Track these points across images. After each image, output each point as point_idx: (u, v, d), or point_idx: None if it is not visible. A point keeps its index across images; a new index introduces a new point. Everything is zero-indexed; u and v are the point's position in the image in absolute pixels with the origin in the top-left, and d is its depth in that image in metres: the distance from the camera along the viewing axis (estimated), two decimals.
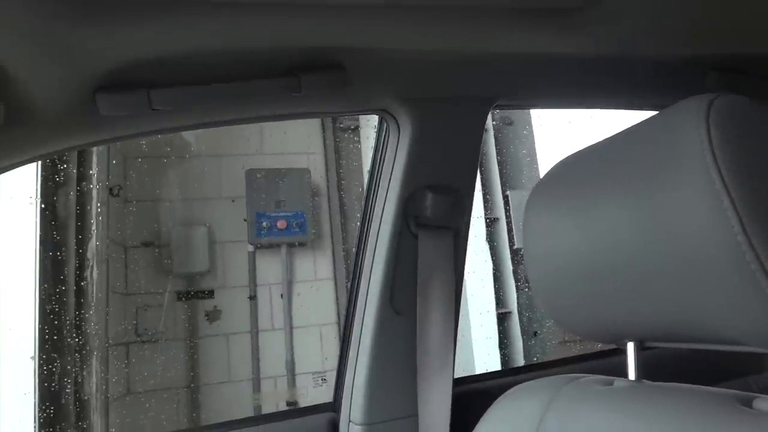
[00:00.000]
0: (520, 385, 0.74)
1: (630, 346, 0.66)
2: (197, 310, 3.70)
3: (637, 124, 0.61)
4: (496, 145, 3.72)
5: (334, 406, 0.99)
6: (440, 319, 0.93)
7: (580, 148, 0.72)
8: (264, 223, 3.82)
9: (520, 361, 3.51)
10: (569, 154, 0.75)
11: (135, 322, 3.47)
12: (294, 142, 3.90)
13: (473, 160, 0.98)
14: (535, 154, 3.88)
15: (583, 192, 0.63)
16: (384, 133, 0.99)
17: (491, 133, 3.67)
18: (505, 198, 3.67)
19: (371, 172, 1.02)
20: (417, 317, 0.93)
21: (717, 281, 0.49)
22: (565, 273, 0.66)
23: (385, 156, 0.98)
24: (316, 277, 3.90)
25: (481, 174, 3.45)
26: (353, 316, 0.98)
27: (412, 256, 0.94)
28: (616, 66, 1.00)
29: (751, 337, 0.51)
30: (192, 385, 3.59)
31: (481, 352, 3.39)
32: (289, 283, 3.85)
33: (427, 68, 0.90)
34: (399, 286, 0.94)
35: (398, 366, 0.94)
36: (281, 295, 3.85)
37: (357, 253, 1.01)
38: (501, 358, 3.45)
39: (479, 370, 3.30)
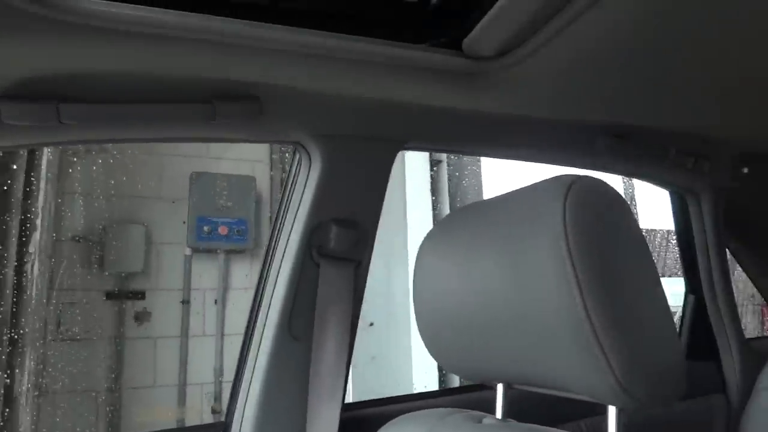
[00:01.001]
0: (402, 416, 0.78)
1: (499, 387, 0.72)
2: (126, 311, 3.60)
3: (516, 190, 0.66)
4: (448, 176, 3.84)
5: (225, 426, 1.00)
6: (335, 347, 0.96)
7: (469, 204, 0.79)
8: (205, 228, 3.76)
9: (455, 380, 3.58)
10: (459, 208, 0.82)
11: (58, 319, 3.34)
12: (240, 149, 3.87)
13: (379, 197, 1.02)
14: (481, 185, 4.01)
15: (466, 244, 0.69)
16: (296, 164, 1.02)
17: (444, 163, 3.79)
18: None
19: (281, 200, 1.04)
20: (312, 344, 0.95)
21: (561, 340, 0.55)
22: (446, 317, 0.71)
23: (295, 186, 1.01)
24: (252, 285, 3.86)
25: (433, 202, 3.54)
26: (251, 338, 0.99)
27: (312, 284, 0.97)
28: (518, 123, 1.06)
29: (585, 388, 0.58)
30: (113, 387, 3.48)
31: (420, 369, 3.47)
32: (225, 290, 3.80)
33: (340, 108, 0.94)
34: (298, 312, 0.97)
35: (291, 390, 0.96)
36: (215, 301, 3.80)
37: (260, 278, 1.03)
38: (438, 377, 3.56)
39: (418, 386, 3.37)
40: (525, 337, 0.60)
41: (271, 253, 1.02)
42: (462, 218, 0.75)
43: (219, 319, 3.71)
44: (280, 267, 0.98)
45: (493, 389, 0.73)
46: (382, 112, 0.97)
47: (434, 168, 3.65)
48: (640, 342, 0.54)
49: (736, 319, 1.36)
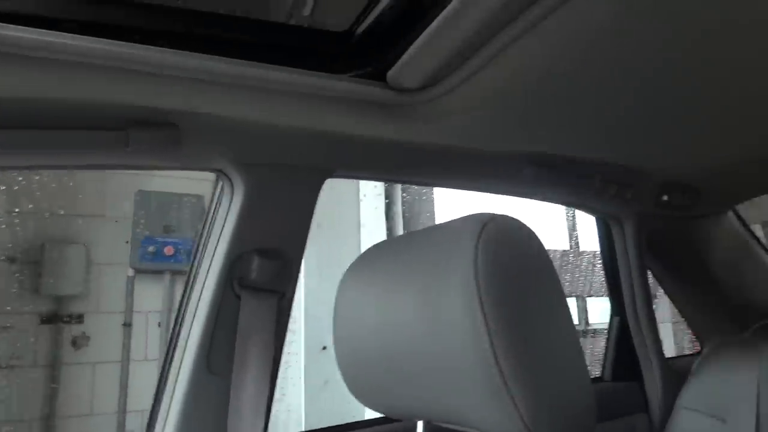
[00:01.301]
0: None
1: (419, 425, 0.71)
2: (63, 336, 3.44)
3: (437, 225, 0.66)
4: (402, 201, 3.87)
5: None
6: (255, 382, 0.93)
7: (392, 237, 0.78)
8: (150, 248, 3.65)
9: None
10: (382, 240, 0.81)
11: None
12: None
13: (304, 227, 1.01)
14: (433, 210, 4.07)
15: (386, 279, 0.68)
16: (219, 192, 1.00)
17: (398, 189, 3.82)
18: None
19: (201, 229, 1.02)
20: (232, 379, 0.92)
21: (471, 382, 0.55)
22: (365, 352, 0.70)
23: (217, 215, 0.98)
24: None
25: (388, 226, 3.55)
26: (167, 373, 0.96)
27: (233, 317, 0.94)
28: (445, 153, 1.07)
29: (495, 430, 0.57)
30: (48, 416, 3.31)
31: None
32: (169, 312, 3.68)
33: (263, 137, 0.93)
34: (217, 345, 0.93)
35: (208, 428, 0.93)
36: (158, 324, 3.68)
37: (178, 310, 0.99)
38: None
39: (370, 412, 3.32)
40: (439, 376, 0.59)
41: (190, 285, 0.99)
42: (383, 252, 0.74)
43: (163, 343, 3.59)
44: (199, 299, 0.95)
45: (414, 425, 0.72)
46: (307, 141, 0.96)
47: (388, 191, 3.68)
48: (548, 386, 0.55)
49: (657, 339, 1.40)
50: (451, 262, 0.57)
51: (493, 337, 0.52)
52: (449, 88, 0.85)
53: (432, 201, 4.01)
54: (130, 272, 3.62)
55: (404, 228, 3.84)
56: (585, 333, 4.11)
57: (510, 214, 0.61)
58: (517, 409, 0.53)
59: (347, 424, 1.07)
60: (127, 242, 3.62)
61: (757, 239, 1.56)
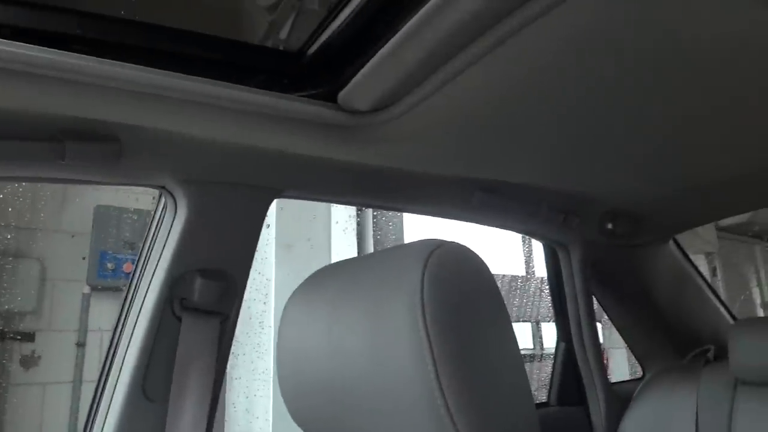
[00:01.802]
0: None
1: None
2: (12, 355, 3.28)
3: (385, 249, 0.65)
4: (374, 222, 3.86)
5: None
6: (194, 409, 0.89)
7: (338, 261, 0.77)
8: (108, 264, 3.53)
9: None
10: (331, 263, 0.79)
11: None
12: None
13: (250, 247, 0.98)
14: (402, 231, 4.06)
15: (332, 304, 0.66)
16: (161, 209, 0.97)
17: (370, 214, 3.81)
18: None
19: (142, 248, 0.98)
20: (169, 406, 0.88)
21: (415, 414, 0.53)
22: (309, 379, 0.67)
23: (159, 232, 0.95)
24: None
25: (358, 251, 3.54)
26: (100, 398, 0.91)
27: (172, 340, 0.91)
28: (395, 176, 1.07)
29: None
30: None
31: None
32: None
33: (209, 154, 0.90)
34: (154, 370, 0.90)
35: None
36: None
37: (114, 331, 0.95)
38: None
39: None
40: (383, 407, 0.57)
41: (128, 305, 0.95)
42: (329, 276, 0.73)
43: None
44: (137, 320, 0.91)
45: None
46: (255, 159, 0.94)
47: (359, 214, 3.68)
48: (493, 416, 0.53)
49: (601, 365, 1.42)
50: (398, 288, 0.56)
51: (438, 367, 0.51)
52: (400, 112, 0.85)
53: (401, 221, 4.01)
54: (86, 289, 3.49)
55: (376, 250, 3.82)
56: (540, 357, 4.14)
57: (460, 241, 0.60)
58: None
59: None
60: (84, 258, 3.49)
61: (696, 268, 1.61)
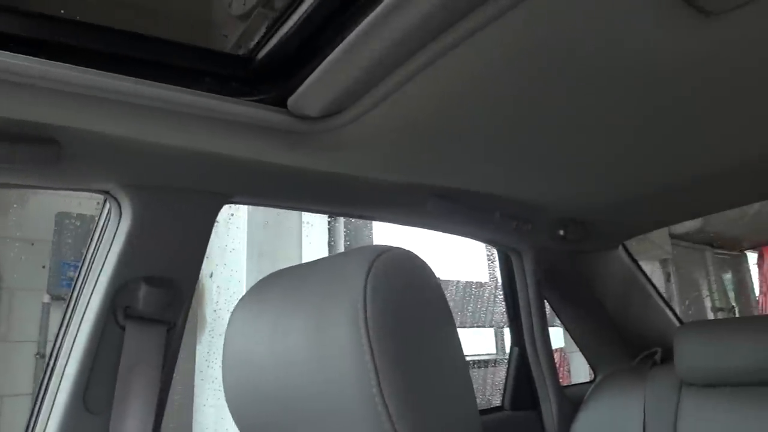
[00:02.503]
0: None
1: None
2: None
3: (332, 255, 0.63)
4: (345, 229, 3.85)
5: None
6: (137, 420, 0.85)
7: (285, 267, 0.74)
8: (70, 273, 3.41)
9: None
10: (277, 270, 0.77)
11: None
12: None
13: (199, 254, 0.95)
14: (372, 236, 4.05)
15: (277, 311, 0.64)
16: (106, 215, 0.93)
17: (342, 220, 3.80)
18: None
19: (85, 254, 0.94)
20: (111, 418, 0.84)
21: (357, 422, 0.52)
22: (255, 388, 0.65)
23: (102, 239, 0.91)
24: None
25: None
26: (39, 411, 0.87)
27: (115, 349, 0.87)
28: (348, 182, 1.06)
29: None
30: None
31: None
32: None
33: (155, 158, 0.87)
34: (96, 381, 0.85)
35: None
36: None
37: (54, 341, 0.91)
38: None
39: None
40: (325, 414, 0.56)
41: (69, 314, 0.91)
42: (276, 283, 0.70)
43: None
44: (78, 329, 0.87)
45: None
46: (202, 164, 0.91)
47: (331, 220, 3.66)
48: (434, 424, 0.52)
49: (554, 369, 1.43)
50: (341, 295, 0.54)
51: (380, 374, 0.49)
52: (351, 119, 0.83)
53: (371, 227, 4.00)
54: (46, 298, 3.37)
55: None
56: (502, 362, 4.17)
57: (423, 248, 0.59)
58: None
59: None
60: (44, 267, 3.37)
61: (645, 273, 1.64)
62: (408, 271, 0.56)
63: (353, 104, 0.81)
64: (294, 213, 2.95)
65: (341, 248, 3.78)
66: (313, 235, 3.10)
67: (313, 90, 0.79)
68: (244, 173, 0.96)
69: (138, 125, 0.81)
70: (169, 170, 0.90)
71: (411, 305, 0.55)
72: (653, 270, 4.87)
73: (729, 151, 1.06)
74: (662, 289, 4.78)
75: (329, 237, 3.55)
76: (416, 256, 0.58)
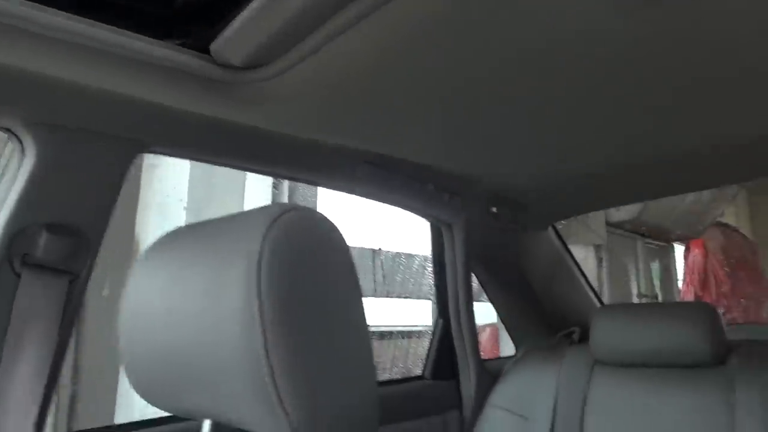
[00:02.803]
0: None
1: (206, 423, 0.63)
2: None
3: (238, 213, 0.59)
4: (289, 194, 3.77)
5: None
6: (31, 374, 0.79)
7: (189, 223, 0.70)
8: None
9: None
10: (178, 228, 0.73)
11: None
12: None
13: (109, 203, 0.89)
14: (316, 201, 3.99)
15: (175, 268, 0.60)
16: (9, 155, 0.86)
17: (285, 191, 3.71)
18: None
19: None
20: (0, 369, 0.79)
21: (244, 379, 0.49)
22: (150, 346, 0.61)
23: (1, 180, 0.84)
24: None
25: None
26: None
27: (8, 298, 0.81)
28: (275, 139, 1.01)
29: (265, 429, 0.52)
30: None
31: None
32: None
33: (65, 96, 0.80)
34: None
35: None
36: None
37: None
38: None
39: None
40: (218, 374, 0.53)
41: None
42: (177, 239, 0.66)
43: None
44: None
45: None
46: (117, 107, 0.84)
47: (276, 186, 3.57)
48: (324, 389, 0.50)
49: (475, 342, 1.45)
50: (237, 253, 0.51)
51: (267, 334, 0.47)
52: (278, 71, 0.79)
53: (315, 193, 3.94)
54: None
55: None
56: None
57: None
58: (285, 412, 0.48)
59: (131, 423, 0.96)
60: None
61: (572, 256, 1.67)
62: (311, 232, 0.53)
63: (280, 56, 0.77)
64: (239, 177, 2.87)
65: (286, 200, 3.72)
66: (256, 192, 3.04)
67: (237, 37, 0.74)
68: (163, 121, 0.90)
69: (46, 59, 0.74)
70: (79, 111, 0.83)
71: (311, 269, 0.52)
72: (587, 254, 5.05)
73: (661, 140, 1.07)
74: (594, 273, 4.98)
75: (273, 197, 3.48)
76: (324, 218, 0.55)
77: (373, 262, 4.12)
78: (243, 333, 0.48)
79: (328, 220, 0.56)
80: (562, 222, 4.59)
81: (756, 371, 1.12)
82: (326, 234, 0.54)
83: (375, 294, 4.10)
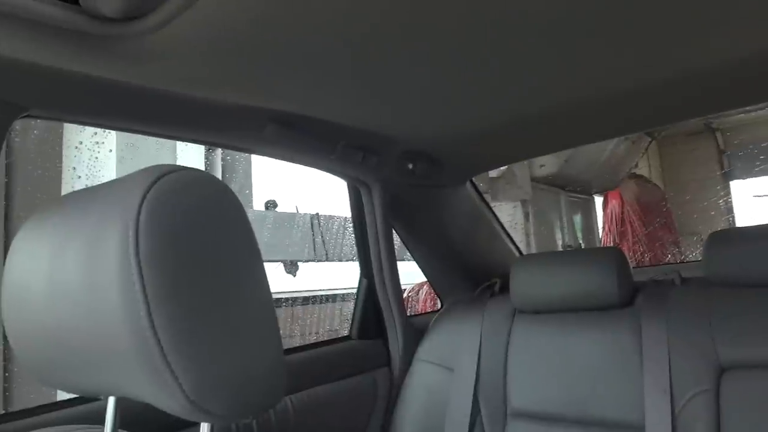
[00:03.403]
0: None
1: (110, 400, 0.59)
2: None
3: (120, 177, 0.52)
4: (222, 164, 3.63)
5: None
6: None
7: (74, 191, 0.63)
8: None
9: None
10: (63, 195, 0.65)
11: None
12: None
13: None
14: (250, 175, 3.86)
15: (55, 238, 0.53)
16: None
17: (219, 154, 3.54)
18: None
19: None
20: None
21: (132, 353, 0.45)
22: (35, 324, 0.55)
23: None
24: None
25: None
26: None
27: None
28: (172, 100, 0.92)
29: (165, 406, 0.48)
30: None
31: None
32: None
33: None
34: None
35: None
36: None
37: None
38: None
39: None
40: (100, 350, 0.48)
41: None
42: (56, 209, 0.59)
43: None
44: None
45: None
46: None
47: (208, 156, 3.41)
48: (221, 356, 0.46)
49: (400, 299, 1.44)
50: (114, 217, 0.45)
51: (150, 302, 0.43)
52: (158, 23, 0.70)
53: (249, 161, 3.81)
54: None
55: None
56: None
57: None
58: (178, 384, 0.44)
59: (38, 407, 0.88)
60: None
61: (491, 209, 1.68)
62: (198, 193, 0.48)
63: (157, 6, 0.68)
64: (168, 141, 2.72)
65: (219, 167, 3.58)
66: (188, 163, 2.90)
67: None
68: (40, 81, 0.80)
69: None
70: None
71: (198, 231, 0.47)
72: (516, 210, 5.20)
73: (569, 89, 1.06)
74: (522, 227, 5.13)
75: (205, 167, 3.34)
76: (213, 178, 0.50)
77: (312, 227, 4.07)
78: (124, 303, 0.44)
79: (217, 180, 0.51)
80: (488, 180, 4.67)
81: (658, 309, 1.17)
82: (215, 194, 0.49)
83: (315, 259, 4.07)
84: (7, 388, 2.39)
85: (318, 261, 4.09)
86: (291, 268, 3.95)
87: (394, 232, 1.47)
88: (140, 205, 0.44)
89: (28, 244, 0.59)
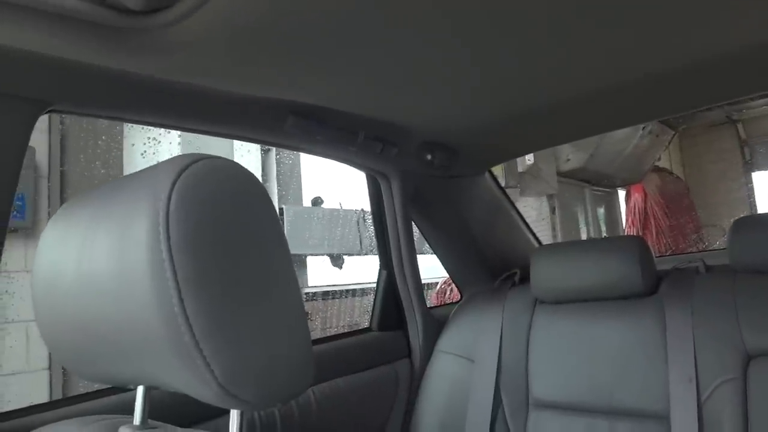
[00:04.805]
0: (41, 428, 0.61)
1: (139, 390, 0.58)
2: None
3: (144, 168, 0.52)
4: (277, 162, 3.67)
5: None
6: None
7: (103, 184, 0.63)
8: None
9: None
10: (91, 189, 0.65)
11: None
12: None
13: (12, 170, 0.79)
14: (300, 174, 3.90)
15: (85, 230, 0.53)
16: None
17: (272, 156, 3.58)
18: (281, 210, 3.69)
19: None
20: None
21: (163, 345, 0.45)
22: (62, 311, 0.55)
23: None
24: (26, 267, 3.17)
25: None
26: None
27: None
28: (195, 93, 0.92)
29: (197, 394, 0.48)
30: None
31: None
32: None
33: None
34: None
35: None
36: None
37: None
38: None
39: None
40: (138, 340, 0.48)
41: None
42: (85, 202, 0.59)
43: None
44: None
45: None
46: (11, 63, 0.74)
47: (264, 158, 3.46)
48: (251, 345, 0.45)
49: (420, 291, 1.41)
50: (145, 206, 0.45)
51: (182, 289, 0.42)
52: (181, 15, 0.70)
53: (299, 159, 3.84)
54: None
55: (279, 192, 3.68)
56: None
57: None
58: (211, 370, 0.43)
59: (71, 398, 0.89)
60: None
61: (509, 199, 1.64)
62: (226, 181, 0.47)
63: None
64: (226, 141, 2.73)
65: (274, 178, 3.62)
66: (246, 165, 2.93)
67: None
68: (63, 76, 0.80)
69: None
70: None
71: (228, 219, 0.46)
72: (541, 203, 5.12)
73: (588, 77, 1.03)
74: (548, 220, 5.05)
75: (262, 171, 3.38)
76: (241, 167, 0.49)
77: (358, 222, 4.09)
78: (155, 291, 0.43)
79: (244, 169, 0.49)
80: (517, 175, 4.59)
81: (682, 297, 1.12)
82: (242, 183, 0.48)
83: (361, 252, 4.09)
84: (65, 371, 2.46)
85: (364, 254, 4.11)
86: (337, 261, 3.99)
87: (413, 224, 1.44)
88: (170, 193, 0.43)
89: (58, 235, 0.58)
